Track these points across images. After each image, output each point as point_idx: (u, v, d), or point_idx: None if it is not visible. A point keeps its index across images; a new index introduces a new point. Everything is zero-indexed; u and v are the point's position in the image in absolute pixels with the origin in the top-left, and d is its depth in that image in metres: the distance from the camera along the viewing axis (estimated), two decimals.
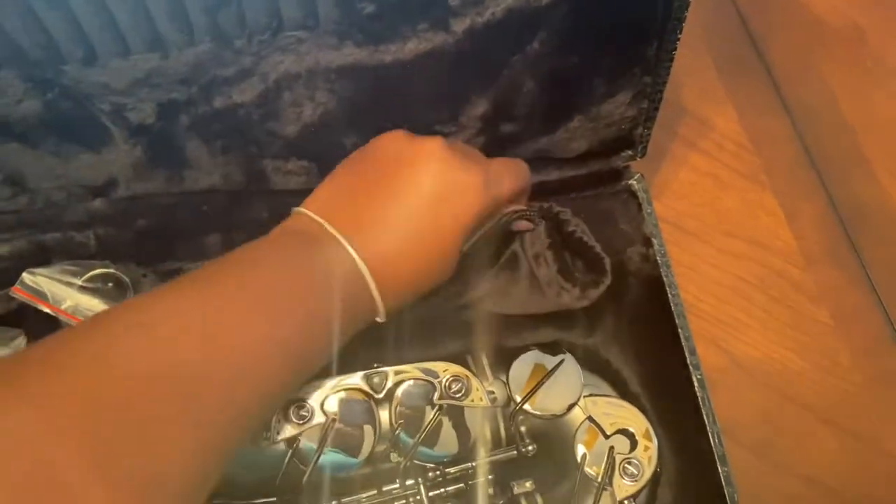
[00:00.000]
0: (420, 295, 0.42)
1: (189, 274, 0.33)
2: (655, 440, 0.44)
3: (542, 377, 0.48)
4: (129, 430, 0.25)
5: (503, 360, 0.49)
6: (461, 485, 0.47)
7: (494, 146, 0.49)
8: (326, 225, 0.37)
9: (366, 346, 0.50)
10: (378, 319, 0.41)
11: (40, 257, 0.50)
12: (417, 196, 0.38)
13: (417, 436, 0.46)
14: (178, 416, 0.27)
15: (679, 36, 0.44)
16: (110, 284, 0.50)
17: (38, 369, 0.26)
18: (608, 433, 0.45)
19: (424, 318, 0.49)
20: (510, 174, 0.43)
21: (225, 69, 0.44)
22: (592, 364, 0.51)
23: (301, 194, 0.50)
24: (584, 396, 0.46)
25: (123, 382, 0.26)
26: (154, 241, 0.51)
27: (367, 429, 0.45)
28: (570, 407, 0.47)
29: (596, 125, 0.49)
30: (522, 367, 0.48)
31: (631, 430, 0.45)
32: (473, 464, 0.47)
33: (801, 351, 0.62)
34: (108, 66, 0.42)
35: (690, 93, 0.74)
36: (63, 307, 0.48)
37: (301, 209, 0.40)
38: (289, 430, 0.44)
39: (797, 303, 0.64)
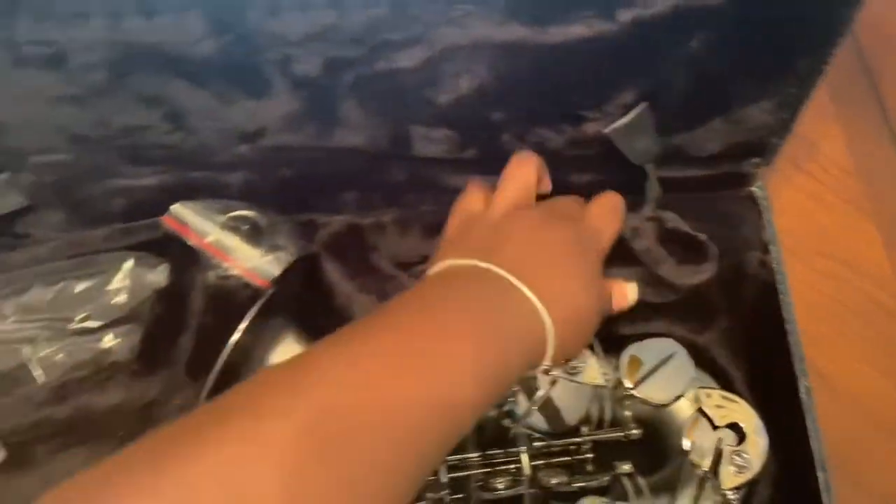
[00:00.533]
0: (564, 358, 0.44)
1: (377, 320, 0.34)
2: (766, 437, 0.45)
3: (653, 366, 0.49)
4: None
5: (615, 345, 0.50)
6: (565, 458, 0.49)
7: None
8: (513, 279, 0.39)
9: None
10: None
11: (186, 193, 0.53)
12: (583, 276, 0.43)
13: (529, 404, 0.47)
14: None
15: (835, 51, 0.45)
16: (247, 227, 0.53)
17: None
18: (718, 425, 0.47)
19: None
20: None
21: (395, 33, 0.46)
22: (699, 360, 0.52)
23: (439, 162, 0.53)
24: (698, 388, 0.48)
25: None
26: (293, 191, 0.53)
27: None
28: (677, 398, 0.49)
29: (734, 128, 0.50)
30: (635, 353, 0.49)
31: (741, 424, 0.46)
32: (579, 439, 0.49)
33: (892, 376, 0.63)
34: (288, 17, 0.45)
35: (802, 115, 0.75)
36: (206, 240, 0.51)
37: (489, 266, 0.40)
38: None
39: (890, 328, 0.65)
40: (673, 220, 0.52)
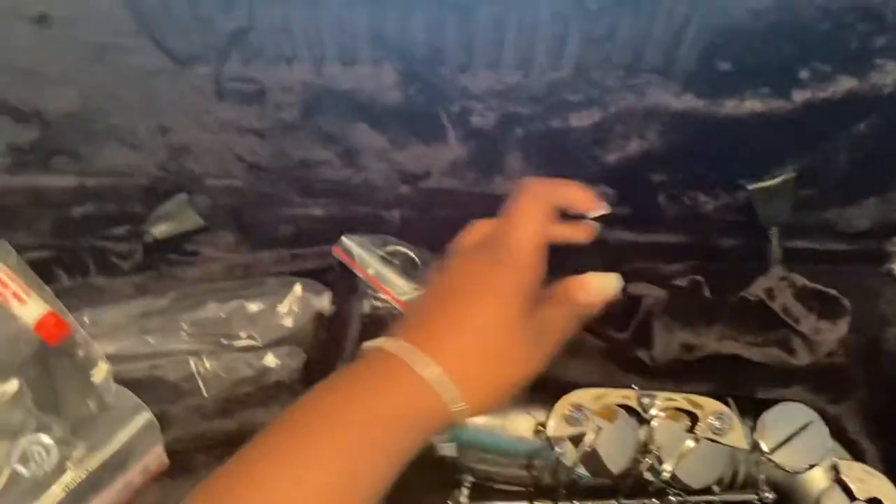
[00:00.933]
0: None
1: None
2: None
3: (790, 433, 0.50)
4: None
5: (752, 409, 0.51)
6: None
7: None
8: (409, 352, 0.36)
9: (624, 370, 0.54)
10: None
11: (348, 225, 0.56)
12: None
13: (671, 460, 0.49)
14: None
15: None
16: (402, 261, 0.55)
17: None
18: (857, 497, 0.48)
19: (676, 356, 0.53)
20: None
21: (574, 95, 0.48)
22: (832, 430, 0.53)
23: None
24: (839, 459, 0.49)
25: None
26: (447, 231, 0.56)
27: (627, 445, 0.49)
28: (812, 466, 0.50)
29: (887, 208, 0.52)
30: (773, 418, 0.51)
31: (884, 501, 0.47)
32: (715, 498, 0.50)
33: None
34: (477, 74, 0.48)
35: None
36: (367, 271, 0.54)
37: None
38: (560, 429, 0.48)
39: None
40: (802, 281, 0.54)
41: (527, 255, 0.41)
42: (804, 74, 0.46)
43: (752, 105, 0.47)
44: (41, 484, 0.46)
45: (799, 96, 0.47)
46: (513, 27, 0.45)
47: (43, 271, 0.53)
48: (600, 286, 0.45)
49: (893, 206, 0.52)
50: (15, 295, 0.50)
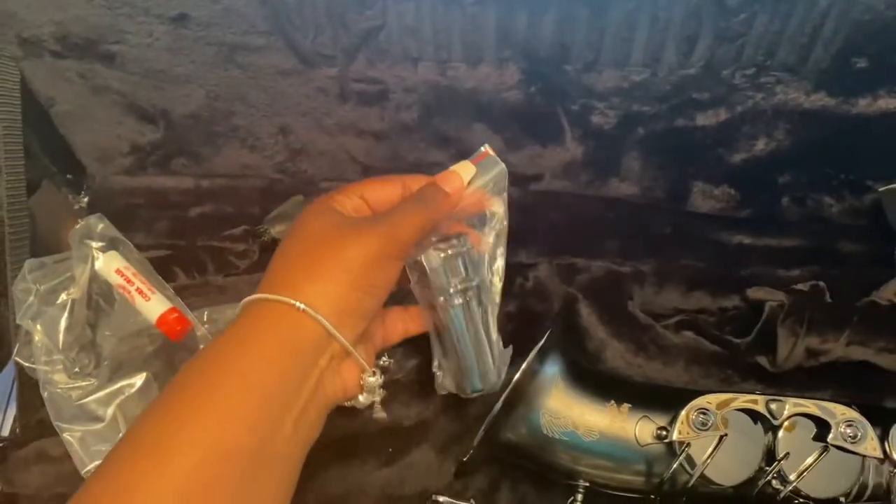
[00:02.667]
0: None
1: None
2: None
3: None
4: None
5: (882, 419, 0.49)
6: None
7: None
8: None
9: (743, 375, 0.53)
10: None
11: None
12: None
13: (800, 470, 0.47)
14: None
15: None
16: None
17: None
18: None
19: (799, 363, 0.52)
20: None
21: (701, 93, 0.48)
22: None
23: (711, 219, 0.54)
24: None
25: None
26: (556, 235, 0.56)
27: (753, 452, 0.48)
28: None
29: None
30: None
31: None
32: None
33: None
34: (603, 73, 0.48)
35: None
36: None
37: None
38: (686, 433, 0.47)
39: None
40: None
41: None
42: None
43: (885, 104, 0.46)
44: None
45: None
46: (645, 24, 0.44)
47: (161, 270, 0.54)
48: (459, 177, 0.42)
49: None
50: (139, 291, 0.51)
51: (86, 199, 0.58)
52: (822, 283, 0.53)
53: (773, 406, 0.48)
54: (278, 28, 0.47)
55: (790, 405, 0.48)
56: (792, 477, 0.48)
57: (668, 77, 0.47)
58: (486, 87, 0.49)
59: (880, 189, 0.50)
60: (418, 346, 0.53)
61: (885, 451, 0.49)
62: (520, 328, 0.54)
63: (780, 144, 0.49)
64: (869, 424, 0.47)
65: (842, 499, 0.50)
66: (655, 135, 0.50)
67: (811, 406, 0.48)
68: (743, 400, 0.49)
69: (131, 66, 0.49)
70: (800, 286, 0.53)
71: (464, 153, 0.54)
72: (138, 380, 0.48)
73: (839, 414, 0.48)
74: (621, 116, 0.50)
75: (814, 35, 0.44)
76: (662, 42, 0.45)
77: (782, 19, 0.43)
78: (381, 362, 0.53)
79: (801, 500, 0.49)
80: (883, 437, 0.49)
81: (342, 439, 0.51)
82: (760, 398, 0.48)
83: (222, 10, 0.46)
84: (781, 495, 0.48)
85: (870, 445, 0.47)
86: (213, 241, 0.56)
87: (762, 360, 0.52)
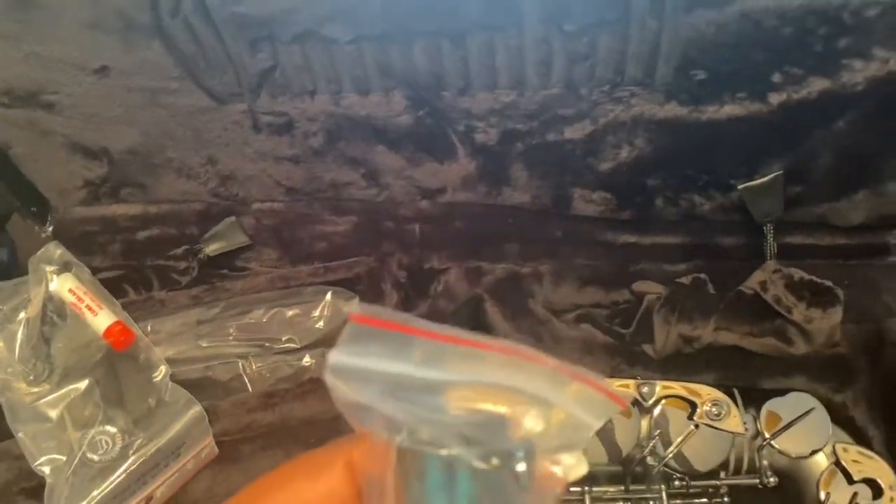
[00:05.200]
0: None
1: None
2: None
3: (792, 419, 0.52)
4: None
5: (756, 399, 0.54)
6: (703, 500, 0.53)
7: None
8: None
9: (630, 363, 0.58)
10: None
11: (375, 239, 0.62)
12: None
13: (671, 447, 0.52)
14: None
15: None
16: None
17: None
18: (854, 480, 0.50)
19: (676, 349, 0.56)
20: None
21: (565, 110, 0.53)
22: (836, 418, 0.54)
23: (595, 221, 0.59)
24: (835, 442, 0.51)
25: None
26: (463, 242, 0.61)
27: (631, 432, 0.52)
28: (814, 452, 0.52)
29: (879, 201, 0.54)
30: (775, 406, 0.53)
31: (878, 480, 0.49)
32: (717, 482, 0.53)
33: None
34: (476, 96, 0.53)
35: None
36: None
37: None
38: None
39: None
40: (798, 273, 0.55)
41: None
42: (777, 78, 0.49)
43: (731, 109, 0.51)
44: (107, 468, 0.53)
45: (775, 99, 0.50)
46: (502, 51, 0.50)
47: (114, 288, 0.61)
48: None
49: (885, 198, 0.54)
50: (88, 308, 0.58)
51: (50, 229, 0.65)
52: (703, 276, 0.57)
53: (645, 389, 0.53)
54: (188, 73, 0.53)
55: (660, 388, 0.53)
56: (665, 452, 0.53)
57: (533, 97, 0.52)
58: (379, 113, 0.55)
59: (739, 187, 0.54)
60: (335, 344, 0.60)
61: (757, 428, 0.53)
62: None
63: (642, 151, 0.54)
64: (732, 404, 0.52)
65: (722, 473, 0.54)
66: (532, 149, 0.56)
67: (678, 388, 0.53)
68: (617, 384, 0.54)
69: (69, 111, 0.56)
70: (682, 279, 0.57)
71: (373, 172, 0.60)
72: (83, 384, 0.55)
73: (705, 395, 0.53)
74: (500, 134, 0.55)
75: (653, 53, 0.49)
76: (522, 67, 0.51)
77: (621, 40, 0.49)
78: (304, 363, 0.59)
79: (678, 474, 0.53)
80: (756, 416, 0.54)
81: (266, 433, 0.57)
82: (633, 382, 0.53)
83: (138, 61, 0.53)
84: (655, 470, 0.53)
85: (732, 422, 0.52)
86: (158, 260, 0.63)
87: (647, 348, 0.57)
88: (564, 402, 0.25)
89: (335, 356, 0.23)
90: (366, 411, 0.24)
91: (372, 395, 0.23)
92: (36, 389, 0.55)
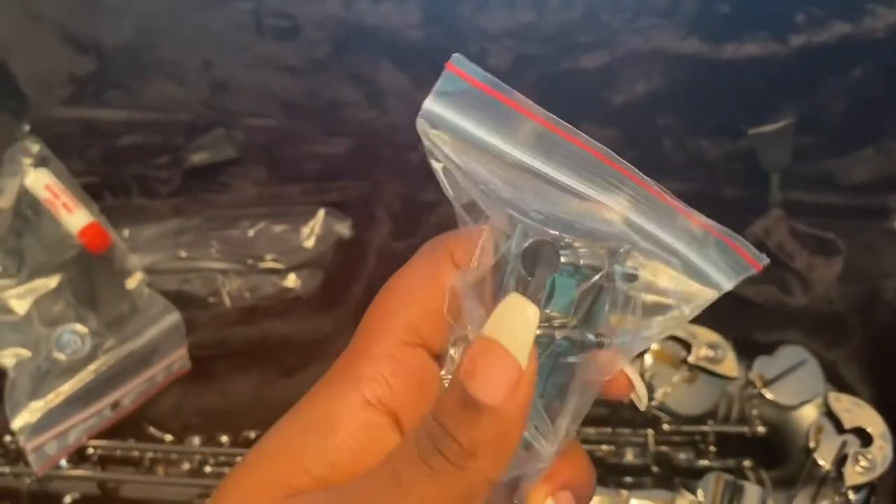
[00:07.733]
0: None
1: None
2: (892, 442, 0.47)
3: (784, 370, 0.52)
4: None
5: (750, 351, 0.53)
6: (690, 444, 0.52)
7: None
8: None
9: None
10: None
11: (370, 164, 0.60)
12: None
13: (663, 388, 0.51)
14: None
15: None
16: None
17: None
18: (845, 428, 0.49)
19: None
20: None
21: (584, 36, 0.52)
22: (828, 374, 0.54)
23: None
24: (828, 392, 0.50)
25: None
26: None
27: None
28: (804, 403, 0.51)
29: (884, 160, 0.54)
30: (768, 357, 0.52)
31: (868, 429, 0.49)
32: (706, 428, 0.52)
33: None
34: (494, 13, 0.52)
35: None
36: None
37: None
38: None
39: None
40: (801, 225, 0.55)
41: None
42: (800, 19, 0.49)
43: (751, 49, 0.50)
44: (74, 367, 0.50)
45: (795, 41, 0.49)
46: None
47: (92, 193, 0.58)
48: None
49: (890, 157, 0.54)
50: (65, 206, 0.55)
51: (27, 128, 0.62)
52: None
53: None
54: None
55: None
56: (656, 394, 0.52)
57: (552, 19, 0.51)
58: (390, 24, 0.53)
59: (750, 132, 0.54)
60: (324, 265, 0.57)
61: (748, 379, 0.53)
62: None
63: (657, 87, 0.53)
64: (730, 346, 0.51)
65: (710, 421, 0.53)
66: (546, 78, 0.54)
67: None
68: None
69: None
70: None
71: (377, 92, 0.58)
72: (53, 281, 0.52)
73: (701, 337, 0.52)
74: (515, 58, 0.54)
75: None
76: None
77: None
78: (288, 283, 0.57)
79: (667, 416, 0.52)
80: (748, 367, 0.53)
81: (242, 350, 0.55)
82: None
83: None
84: (649, 414, 0.52)
85: (728, 366, 0.51)
86: (140, 167, 0.60)
87: None
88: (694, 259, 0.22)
89: (430, 103, 0.21)
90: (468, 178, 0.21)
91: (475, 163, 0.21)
92: (2, 281, 0.52)
